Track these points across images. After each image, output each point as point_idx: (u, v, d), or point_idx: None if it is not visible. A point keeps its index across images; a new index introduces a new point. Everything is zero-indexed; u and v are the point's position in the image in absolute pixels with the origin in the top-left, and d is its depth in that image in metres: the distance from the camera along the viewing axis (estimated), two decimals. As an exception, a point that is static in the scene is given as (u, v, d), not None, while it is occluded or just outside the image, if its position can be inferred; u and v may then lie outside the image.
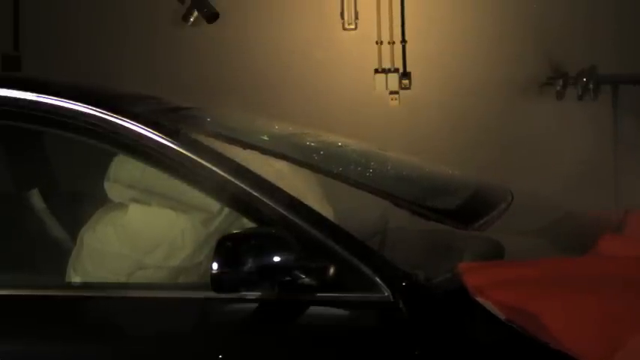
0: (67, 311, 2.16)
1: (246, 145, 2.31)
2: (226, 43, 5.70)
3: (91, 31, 5.70)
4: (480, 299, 1.99)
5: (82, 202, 2.54)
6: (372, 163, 2.70)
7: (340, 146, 2.81)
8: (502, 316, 1.97)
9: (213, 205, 2.31)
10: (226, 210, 2.31)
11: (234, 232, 2.12)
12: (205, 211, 2.32)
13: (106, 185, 2.39)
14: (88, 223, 2.38)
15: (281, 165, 2.38)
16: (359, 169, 2.55)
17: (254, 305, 2.09)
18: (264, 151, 2.32)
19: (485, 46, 5.54)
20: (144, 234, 2.32)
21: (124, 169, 2.37)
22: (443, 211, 2.31)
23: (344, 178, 2.33)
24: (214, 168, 2.18)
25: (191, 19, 5.63)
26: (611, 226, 2.73)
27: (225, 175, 2.17)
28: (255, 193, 2.15)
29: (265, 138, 2.54)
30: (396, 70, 5.66)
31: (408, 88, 5.65)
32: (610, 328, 1.92)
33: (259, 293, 2.08)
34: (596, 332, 1.92)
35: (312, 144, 2.66)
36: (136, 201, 2.35)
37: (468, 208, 2.46)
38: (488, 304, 1.97)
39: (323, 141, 2.77)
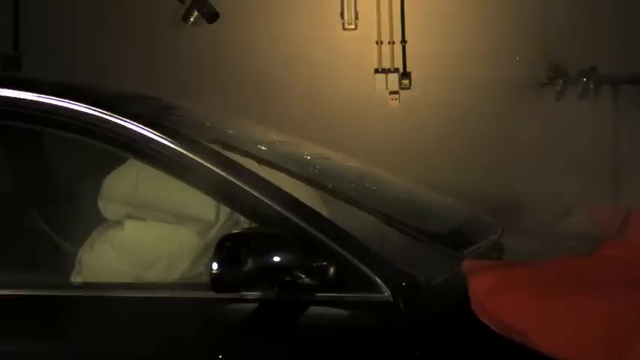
0: (67, 311, 2.16)
1: (243, 155, 2.32)
2: (226, 43, 5.70)
3: (91, 32, 5.70)
4: (480, 316, 1.98)
5: (81, 202, 2.54)
6: (367, 181, 2.70)
7: (336, 162, 2.81)
8: (501, 332, 1.96)
9: (210, 215, 2.31)
10: (223, 219, 2.31)
11: (234, 232, 2.12)
12: (202, 221, 2.31)
13: (100, 204, 2.38)
14: (85, 244, 2.37)
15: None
16: (352, 185, 2.55)
17: (254, 305, 2.09)
18: (260, 161, 2.33)
19: (486, 46, 5.54)
20: (142, 249, 2.31)
21: (117, 186, 2.36)
22: (433, 234, 2.30)
23: (337, 194, 2.34)
24: (214, 168, 2.18)
25: (191, 19, 5.63)
26: (614, 225, 2.73)
27: (225, 175, 2.17)
28: (255, 193, 2.15)
29: (263, 148, 2.54)
30: (396, 70, 5.66)
31: (408, 88, 5.65)
32: (615, 335, 1.91)
33: (259, 293, 2.08)
34: (601, 339, 1.91)
35: (309, 158, 2.66)
36: (132, 217, 2.34)
37: (458, 235, 2.44)
38: (489, 323, 1.97)
39: (320, 155, 2.77)
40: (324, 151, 2.89)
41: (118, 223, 2.36)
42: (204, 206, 2.31)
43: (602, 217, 2.88)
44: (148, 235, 2.32)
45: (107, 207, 2.38)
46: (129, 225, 2.34)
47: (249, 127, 2.93)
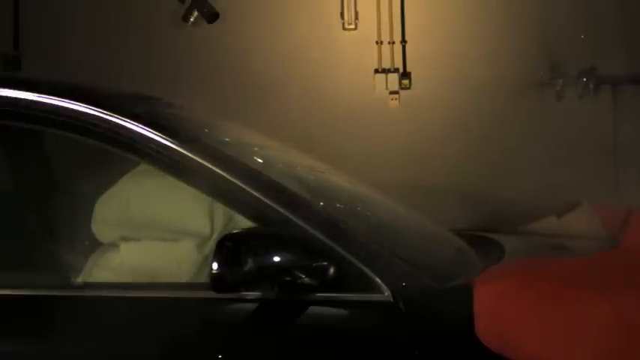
0: (67, 311, 2.16)
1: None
2: (226, 43, 5.70)
3: (91, 32, 5.70)
4: (482, 338, 1.97)
5: (81, 201, 2.54)
6: (356, 202, 2.66)
7: (326, 177, 2.78)
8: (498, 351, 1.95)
9: (205, 228, 2.30)
10: (219, 230, 2.30)
11: (234, 231, 2.12)
12: (198, 235, 2.30)
13: (94, 228, 2.37)
14: (84, 271, 2.36)
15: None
16: (339, 206, 2.52)
17: (254, 305, 2.09)
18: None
19: (486, 46, 5.54)
20: (140, 270, 2.28)
21: (109, 208, 2.35)
22: (419, 264, 2.23)
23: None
24: (214, 168, 2.18)
25: (191, 19, 5.63)
26: (614, 225, 2.72)
27: (225, 174, 2.17)
28: (255, 193, 2.15)
29: (259, 160, 2.52)
30: (396, 70, 5.66)
31: (408, 88, 5.65)
32: (626, 343, 1.90)
33: (259, 293, 2.08)
34: (610, 346, 1.90)
35: (302, 173, 2.64)
36: (126, 239, 2.33)
37: (443, 266, 2.37)
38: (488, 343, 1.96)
39: (313, 169, 2.75)
40: (315, 164, 2.86)
41: (114, 246, 2.35)
42: (198, 220, 2.30)
43: (602, 216, 2.88)
44: (145, 255, 2.31)
45: (101, 230, 2.37)
46: (125, 247, 2.32)
47: (244, 133, 2.90)
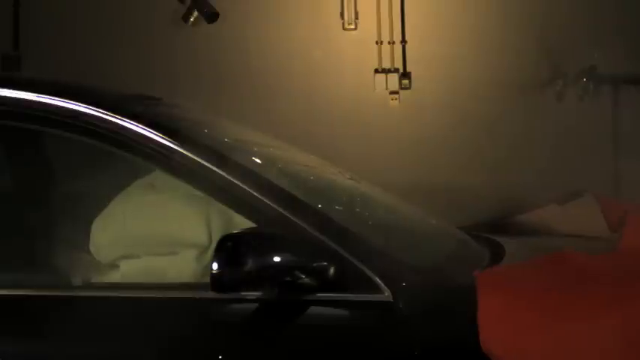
0: (67, 311, 2.16)
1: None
2: (226, 43, 5.70)
3: (91, 32, 5.69)
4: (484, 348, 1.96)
5: (81, 201, 2.54)
6: (359, 203, 2.65)
7: (328, 178, 2.77)
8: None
9: (203, 238, 2.30)
10: (217, 239, 2.29)
11: (234, 232, 2.12)
12: (196, 246, 2.31)
13: (92, 250, 2.38)
14: None
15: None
16: (339, 205, 2.51)
17: (254, 305, 2.09)
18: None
19: (486, 46, 5.54)
20: None
21: (106, 229, 2.36)
22: (420, 264, 2.22)
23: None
24: (214, 168, 2.18)
25: (191, 19, 5.62)
26: (614, 221, 2.72)
27: (225, 174, 2.17)
28: (255, 193, 2.15)
29: (259, 160, 2.51)
30: (396, 70, 5.65)
31: (408, 88, 5.64)
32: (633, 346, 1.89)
33: (259, 293, 2.08)
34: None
35: (302, 172, 2.63)
36: (126, 257, 2.33)
37: (444, 266, 2.34)
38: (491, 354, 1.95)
39: (312, 168, 2.74)
40: (314, 162, 2.85)
41: (113, 266, 2.35)
42: (196, 230, 2.30)
43: (603, 209, 2.87)
44: (144, 271, 2.31)
45: (100, 252, 2.38)
46: (125, 266, 2.33)
47: (243, 133, 2.90)
